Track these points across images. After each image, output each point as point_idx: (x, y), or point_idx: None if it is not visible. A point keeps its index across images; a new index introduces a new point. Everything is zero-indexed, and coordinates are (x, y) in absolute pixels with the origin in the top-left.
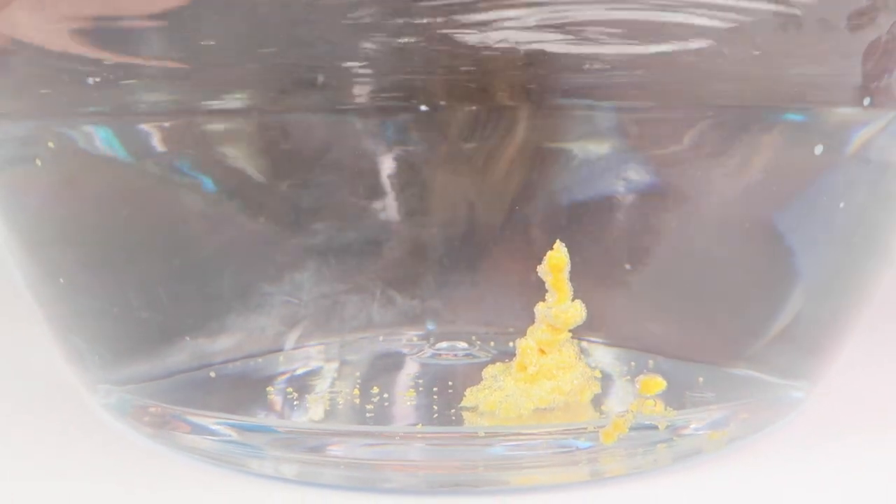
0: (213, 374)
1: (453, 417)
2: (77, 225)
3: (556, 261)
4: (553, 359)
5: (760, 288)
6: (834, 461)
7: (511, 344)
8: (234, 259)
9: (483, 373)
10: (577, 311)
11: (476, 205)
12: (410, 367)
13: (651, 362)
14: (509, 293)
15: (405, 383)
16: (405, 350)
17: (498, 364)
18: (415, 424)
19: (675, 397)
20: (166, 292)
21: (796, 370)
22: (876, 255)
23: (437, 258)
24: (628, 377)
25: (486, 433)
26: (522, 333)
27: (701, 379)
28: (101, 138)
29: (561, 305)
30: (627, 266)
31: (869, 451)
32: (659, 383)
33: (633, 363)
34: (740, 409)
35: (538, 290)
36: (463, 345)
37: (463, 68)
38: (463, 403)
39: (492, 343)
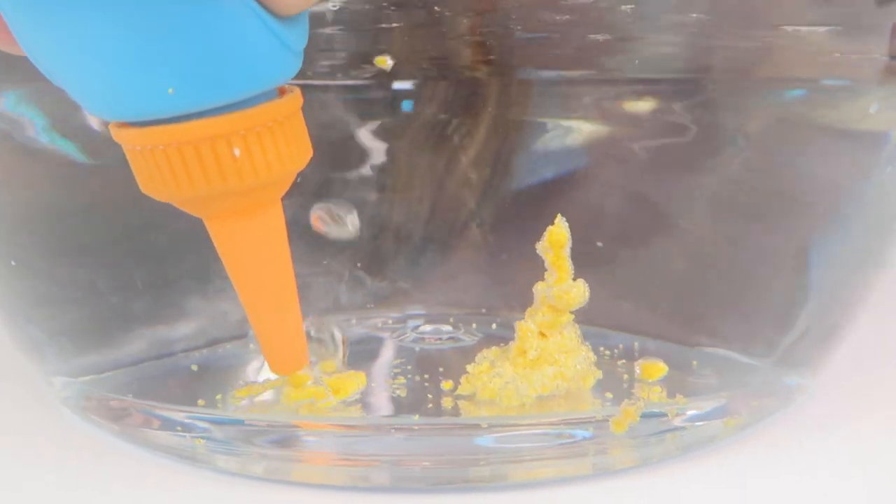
0: (195, 368)
1: (449, 407)
2: (26, 205)
3: (557, 236)
4: (554, 342)
5: (757, 270)
6: (847, 445)
7: (494, 325)
8: (193, 239)
9: (477, 357)
10: (579, 291)
11: (446, 182)
12: (394, 352)
13: (636, 344)
14: (481, 272)
15: (391, 370)
16: (384, 334)
17: (493, 348)
18: (411, 415)
19: (677, 383)
20: (122, 274)
21: (799, 358)
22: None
23: (407, 238)
24: (624, 360)
25: (488, 424)
26: (494, 314)
27: (695, 362)
28: (44, 118)
29: (562, 285)
30: (599, 244)
31: (878, 439)
32: (660, 368)
33: (621, 346)
34: (749, 396)
35: (509, 269)
36: (447, 328)
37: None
38: (459, 391)
39: (474, 325)
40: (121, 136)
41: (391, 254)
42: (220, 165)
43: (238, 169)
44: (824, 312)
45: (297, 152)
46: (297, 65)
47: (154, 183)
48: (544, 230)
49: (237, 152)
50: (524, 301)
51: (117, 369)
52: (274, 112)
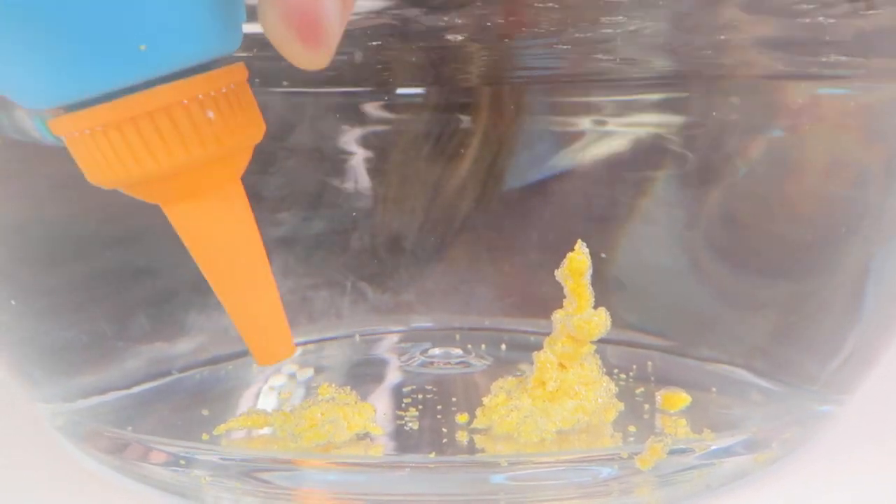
0: (206, 413)
1: (464, 442)
2: (7, 217)
3: (578, 264)
4: (575, 374)
5: (815, 292)
6: (886, 477)
7: (503, 346)
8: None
9: (492, 387)
10: (601, 321)
11: (447, 191)
12: (403, 379)
13: (650, 364)
14: (484, 283)
15: (401, 400)
16: (389, 355)
17: (509, 378)
18: (426, 452)
19: (701, 414)
20: (115, 289)
21: (839, 383)
22: None
23: (410, 248)
24: (643, 388)
25: (507, 462)
26: (498, 324)
27: (714, 389)
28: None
29: (583, 314)
30: (602, 255)
31: None
32: (682, 398)
33: (635, 366)
34: (780, 428)
35: (512, 279)
36: (457, 351)
37: (433, 49)
38: (475, 425)
39: (483, 346)
40: (66, 122)
41: (393, 265)
42: (197, 129)
43: (215, 133)
44: (870, 335)
45: (254, 121)
46: (239, 36)
47: (109, 165)
48: (545, 238)
49: (211, 114)
50: (528, 310)
51: (108, 393)
52: (229, 77)
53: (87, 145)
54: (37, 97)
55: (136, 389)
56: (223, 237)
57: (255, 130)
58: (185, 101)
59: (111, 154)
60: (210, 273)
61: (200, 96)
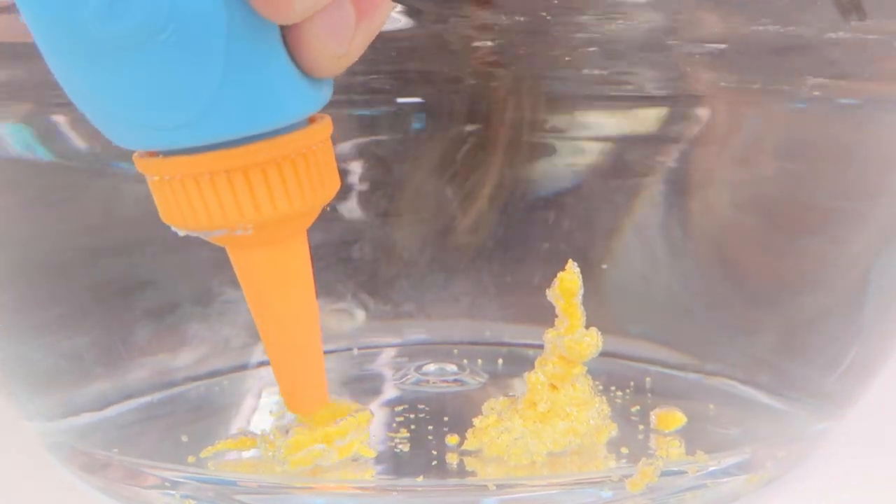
0: (185, 439)
1: (454, 464)
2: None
3: (569, 284)
4: (566, 395)
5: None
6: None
7: (500, 361)
8: (191, 263)
9: (483, 407)
10: (592, 341)
11: (451, 204)
12: (396, 397)
13: (648, 379)
14: (485, 296)
15: (393, 419)
16: (384, 371)
17: (501, 398)
18: (415, 476)
19: (696, 435)
20: (110, 301)
21: (836, 399)
22: None
23: (411, 260)
24: (639, 407)
25: (495, 485)
26: (497, 339)
27: (712, 406)
28: (12, 135)
29: (574, 334)
30: (604, 266)
31: None
32: (678, 418)
33: (632, 383)
34: (775, 447)
35: (514, 292)
36: (452, 367)
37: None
38: (465, 447)
39: (480, 361)
40: (155, 165)
41: (394, 277)
42: (286, 186)
43: (301, 190)
44: (870, 346)
45: (332, 177)
46: (327, 95)
47: (194, 212)
48: (546, 252)
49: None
50: (525, 319)
51: (92, 413)
52: (316, 135)
53: (175, 191)
54: (134, 141)
55: (123, 409)
56: (282, 285)
57: (333, 188)
58: (276, 159)
59: (199, 202)
60: (261, 317)
61: (291, 155)
